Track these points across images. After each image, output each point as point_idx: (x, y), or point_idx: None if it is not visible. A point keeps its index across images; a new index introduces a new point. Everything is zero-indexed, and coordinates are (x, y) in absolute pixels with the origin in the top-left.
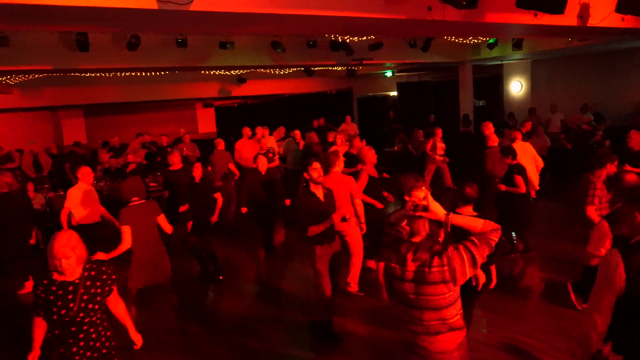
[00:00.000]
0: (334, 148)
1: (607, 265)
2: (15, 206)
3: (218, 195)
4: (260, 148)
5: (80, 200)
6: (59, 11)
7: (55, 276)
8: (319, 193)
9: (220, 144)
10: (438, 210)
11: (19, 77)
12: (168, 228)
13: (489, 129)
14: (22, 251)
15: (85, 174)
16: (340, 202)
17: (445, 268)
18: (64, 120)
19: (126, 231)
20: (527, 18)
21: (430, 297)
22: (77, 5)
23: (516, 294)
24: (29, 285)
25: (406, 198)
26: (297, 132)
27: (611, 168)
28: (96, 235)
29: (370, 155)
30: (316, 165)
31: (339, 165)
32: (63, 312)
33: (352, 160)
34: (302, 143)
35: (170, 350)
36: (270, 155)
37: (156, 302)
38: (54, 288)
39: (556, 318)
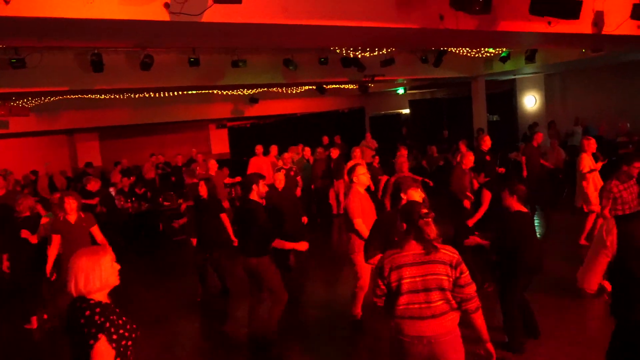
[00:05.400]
0: (352, 162)
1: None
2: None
3: (224, 216)
4: (284, 163)
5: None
6: (71, 25)
7: None
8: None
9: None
10: None
11: (35, 100)
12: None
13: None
14: (39, 277)
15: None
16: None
17: None
18: (79, 144)
19: None
20: (541, 26)
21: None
22: (89, 18)
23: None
24: (34, 321)
25: (402, 195)
26: (308, 150)
27: None
28: None
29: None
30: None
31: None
32: None
33: None
34: (311, 159)
35: None
36: (292, 173)
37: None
38: None
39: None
